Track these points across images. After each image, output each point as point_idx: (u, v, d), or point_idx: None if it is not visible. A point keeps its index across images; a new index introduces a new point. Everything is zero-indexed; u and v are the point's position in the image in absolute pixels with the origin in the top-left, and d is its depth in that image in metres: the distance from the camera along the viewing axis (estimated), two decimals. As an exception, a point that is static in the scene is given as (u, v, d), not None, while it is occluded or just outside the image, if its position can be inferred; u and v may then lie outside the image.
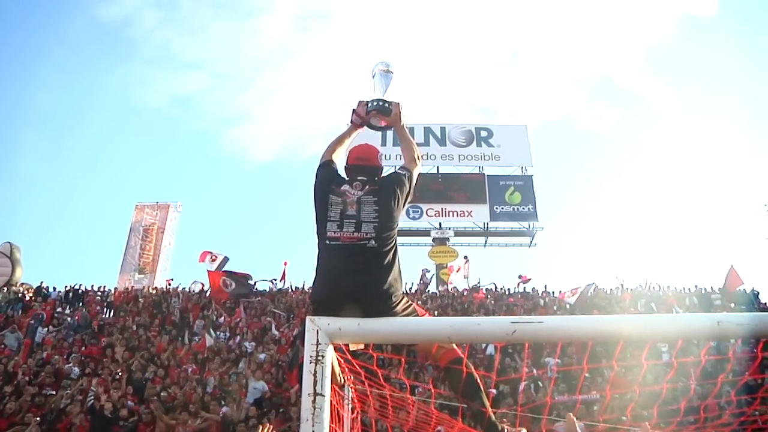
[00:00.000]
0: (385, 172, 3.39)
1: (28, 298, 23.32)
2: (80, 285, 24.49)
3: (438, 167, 32.37)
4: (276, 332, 18.42)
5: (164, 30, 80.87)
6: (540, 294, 23.57)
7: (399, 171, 3.24)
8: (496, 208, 30.84)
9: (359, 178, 3.14)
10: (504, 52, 78.49)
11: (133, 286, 26.85)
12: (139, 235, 33.23)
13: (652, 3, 69.36)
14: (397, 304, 2.82)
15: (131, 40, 79.38)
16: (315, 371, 2.46)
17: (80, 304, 22.88)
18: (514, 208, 30.88)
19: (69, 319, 20.33)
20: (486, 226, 31.47)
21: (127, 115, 78.51)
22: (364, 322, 2.59)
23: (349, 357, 3.11)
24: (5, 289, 23.74)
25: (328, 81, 79.56)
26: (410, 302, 2.99)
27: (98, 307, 22.37)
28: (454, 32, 76.59)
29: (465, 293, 24.56)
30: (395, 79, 3.52)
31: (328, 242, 2.95)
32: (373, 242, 2.88)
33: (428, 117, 42.03)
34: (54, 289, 24.50)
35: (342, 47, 77.98)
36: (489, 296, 23.54)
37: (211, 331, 17.98)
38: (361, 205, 2.97)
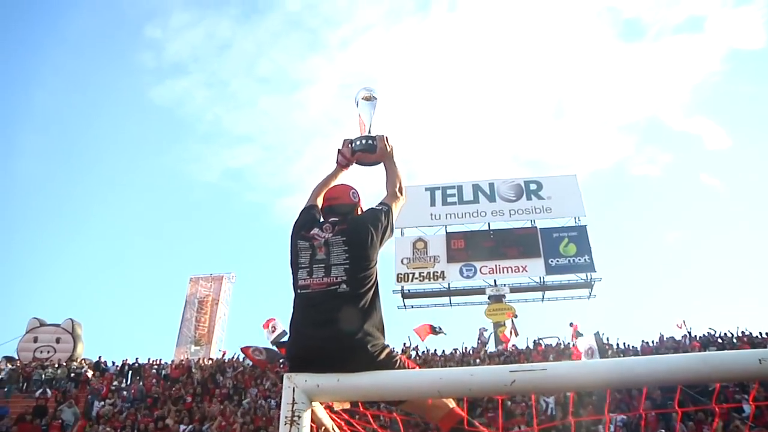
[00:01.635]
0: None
1: (87, 373, 23.60)
2: (137, 359, 24.74)
3: (489, 224, 31.97)
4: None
5: (214, 107, 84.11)
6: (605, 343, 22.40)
7: (375, 207, 2.99)
8: (552, 261, 29.99)
9: (330, 219, 2.92)
10: (548, 104, 78.33)
11: (188, 358, 26.92)
12: (195, 308, 33.56)
13: (697, 41, 68.34)
14: (377, 355, 2.50)
15: (184, 119, 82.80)
16: (287, 433, 2.19)
17: (137, 377, 23.02)
18: (569, 260, 29.96)
19: (125, 392, 20.39)
20: (542, 280, 30.57)
21: (182, 191, 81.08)
22: (344, 378, 2.32)
23: (347, 417, 2.80)
24: (64, 364, 24.16)
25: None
26: (395, 353, 2.67)
27: (154, 380, 22.40)
28: (497, 89, 77.23)
29: (525, 351, 23.67)
30: (380, 105, 3.34)
31: (299, 291, 2.71)
32: (345, 286, 2.61)
33: (476, 174, 42.01)
34: (113, 363, 24.80)
35: (388, 110, 79.12)
36: (550, 351, 22.57)
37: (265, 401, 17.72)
38: (330, 248, 2.72)
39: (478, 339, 27.04)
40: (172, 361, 25.64)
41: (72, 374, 23.11)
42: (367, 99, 3.34)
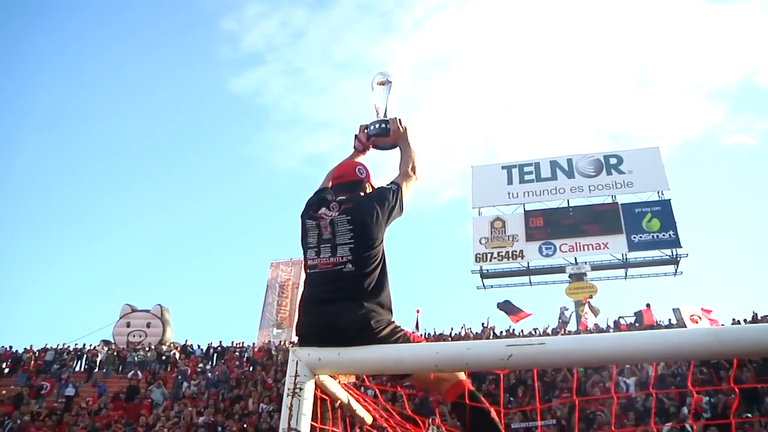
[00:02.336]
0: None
1: (175, 355, 24.74)
2: (221, 342, 25.70)
3: (568, 200, 31.14)
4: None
5: (292, 95, 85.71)
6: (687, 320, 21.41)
7: (385, 186, 2.96)
8: (634, 238, 28.88)
9: (338, 198, 2.90)
10: (631, 74, 75.20)
11: (270, 341, 27.72)
12: (276, 292, 34.40)
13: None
14: (381, 331, 2.50)
15: (263, 108, 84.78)
16: (291, 405, 2.22)
17: (222, 360, 23.92)
18: (653, 236, 28.75)
19: (210, 374, 21.24)
20: (624, 257, 29.53)
21: (264, 179, 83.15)
22: (345, 352, 2.34)
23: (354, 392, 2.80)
24: (154, 347, 25.41)
25: (453, 125, 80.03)
26: (400, 329, 2.64)
27: (237, 363, 23.22)
28: (576, 61, 74.65)
29: (605, 330, 23.02)
30: (395, 89, 3.32)
31: (308, 271, 2.76)
32: (350, 266, 2.62)
33: (559, 151, 40.97)
34: (198, 346, 25.87)
35: (465, 90, 78.34)
36: (632, 330, 21.83)
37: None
38: (335, 227, 2.73)
39: (559, 318, 26.56)
40: (254, 344, 26.50)
41: (162, 357, 24.32)
42: (381, 83, 3.34)
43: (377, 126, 3.22)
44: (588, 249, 29.62)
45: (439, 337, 23.71)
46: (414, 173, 3.09)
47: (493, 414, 2.63)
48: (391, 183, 2.96)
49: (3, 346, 26.32)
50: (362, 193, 2.98)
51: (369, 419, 3.01)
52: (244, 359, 23.90)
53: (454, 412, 2.70)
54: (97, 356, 24.89)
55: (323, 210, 2.83)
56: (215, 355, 24.96)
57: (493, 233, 31.11)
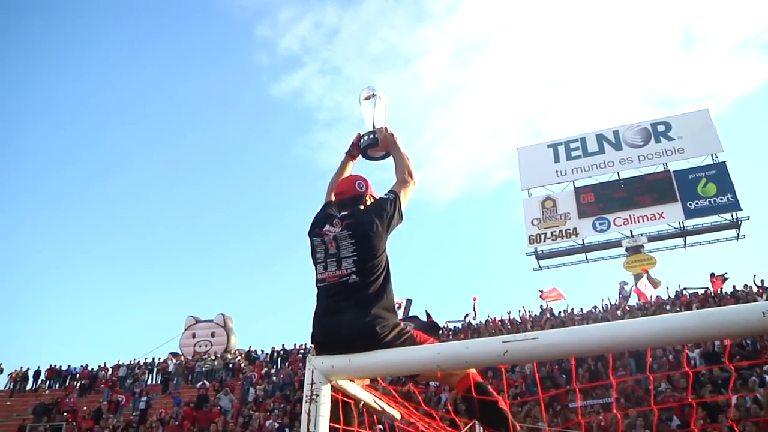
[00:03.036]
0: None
1: (240, 362, 25.41)
2: (283, 345, 26.27)
3: (618, 173, 30.62)
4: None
5: (333, 94, 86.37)
6: (756, 291, 20.78)
7: (383, 196, 3.11)
8: (690, 205, 28.18)
9: (341, 213, 3.08)
10: (674, 34, 72.83)
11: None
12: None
13: None
14: (386, 336, 2.66)
15: (305, 110, 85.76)
16: (309, 410, 2.38)
17: (286, 363, 24.47)
18: (710, 201, 27.97)
19: (275, 377, 21.77)
20: (682, 225, 28.91)
21: (314, 180, 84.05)
22: (355, 358, 2.49)
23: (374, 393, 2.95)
24: (220, 355, 26.14)
25: (497, 106, 79.22)
26: (406, 330, 2.78)
27: (300, 364, 23.70)
28: (616, 27, 72.77)
29: (667, 301, 22.58)
30: (380, 102, 3.49)
31: (318, 285, 2.92)
32: (354, 276, 2.79)
33: (603, 122, 40.11)
34: (262, 351, 26.49)
35: (505, 70, 77.39)
36: (694, 300, 21.31)
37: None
38: (339, 242, 2.90)
39: (619, 293, 26.17)
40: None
41: (228, 364, 25.04)
42: (367, 98, 3.49)
43: (367, 138, 3.40)
44: (643, 220, 29.05)
45: (494, 323, 23.71)
46: (411, 178, 3.20)
47: (501, 404, 2.75)
48: (389, 192, 3.09)
49: (81, 365, 27.63)
50: (362, 207, 3.12)
51: (398, 415, 3.17)
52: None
53: (465, 403, 2.84)
54: (168, 368, 25.81)
55: (327, 227, 3.00)
56: (279, 359, 25.53)
57: (545, 213, 30.84)
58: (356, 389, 2.76)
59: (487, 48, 79.69)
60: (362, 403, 2.90)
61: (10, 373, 27.87)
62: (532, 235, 30.53)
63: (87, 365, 27.70)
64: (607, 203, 29.78)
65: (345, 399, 3.04)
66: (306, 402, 2.42)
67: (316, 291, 2.95)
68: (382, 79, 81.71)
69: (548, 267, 31.17)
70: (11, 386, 27.34)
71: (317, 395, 2.41)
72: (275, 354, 25.89)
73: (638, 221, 29.12)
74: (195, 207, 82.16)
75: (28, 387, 27.23)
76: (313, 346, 2.89)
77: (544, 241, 30.42)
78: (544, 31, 75.34)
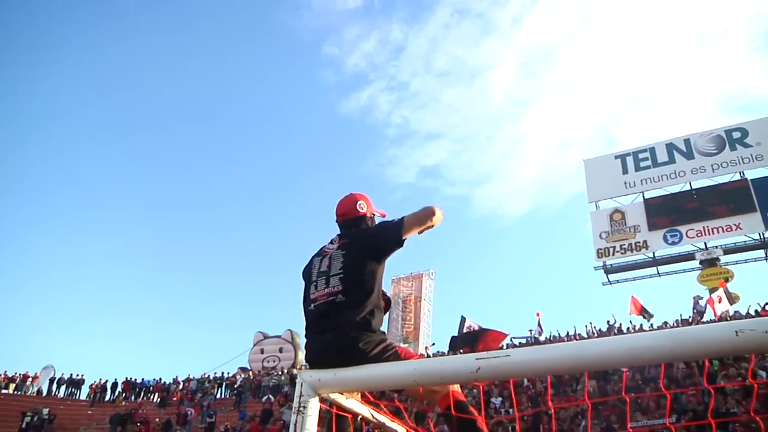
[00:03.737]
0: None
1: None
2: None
3: (690, 183, 29.51)
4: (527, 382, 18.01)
5: (400, 110, 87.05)
6: None
7: (390, 220, 3.12)
8: (771, 215, 26.74)
9: (340, 233, 3.14)
10: (752, 34, 69.71)
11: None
12: (399, 307, 35.01)
13: None
14: (371, 350, 2.73)
15: (373, 126, 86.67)
16: (296, 422, 2.48)
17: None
18: (794, 211, 26.46)
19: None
20: (762, 236, 27.41)
21: (383, 195, 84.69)
22: (340, 372, 2.60)
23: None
24: (286, 371, 26.60)
25: (566, 117, 77.88)
26: (392, 347, 2.84)
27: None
28: (689, 31, 70.27)
29: (746, 317, 21.52)
30: None
31: (308, 306, 2.98)
32: (341, 296, 2.85)
33: (679, 130, 38.79)
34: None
35: (573, 80, 76.14)
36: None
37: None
38: (332, 261, 2.97)
39: (694, 308, 25.05)
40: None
41: (294, 380, 25.41)
42: None
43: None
44: (718, 232, 27.82)
45: (559, 339, 23.22)
46: (427, 218, 3.06)
47: (479, 423, 2.76)
48: (398, 219, 3.08)
49: (154, 379, 28.72)
50: (363, 226, 3.19)
51: (401, 430, 3.22)
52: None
53: (444, 421, 2.87)
54: (236, 383, 26.45)
55: (327, 246, 3.09)
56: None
57: (613, 226, 30.02)
58: (351, 403, 2.84)
59: (554, 59, 78.67)
60: (360, 416, 2.98)
61: (91, 385, 29.37)
62: (601, 249, 29.75)
63: (161, 378, 28.83)
64: (679, 215, 28.70)
65: (341, 413, 3.13)
66: (294, 413, 2.53)
67: (304, 312, 3.03)
68: (449, 94, 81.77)
69: (618, 281, 30.21)
70: (92, 397, 28.76)
71: (304, 407, 2.52)
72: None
73: (713, 233, 27.91)
74: (267, 225, 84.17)
75: (107, 398, 28.53)
76: (306, 363, 2.99)
77: (613, 254, 29.57)
78: (612, 38, 73.87)
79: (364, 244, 2.98)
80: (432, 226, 3.10)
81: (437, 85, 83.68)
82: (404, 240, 3.00)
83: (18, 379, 29.43)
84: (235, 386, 26.40)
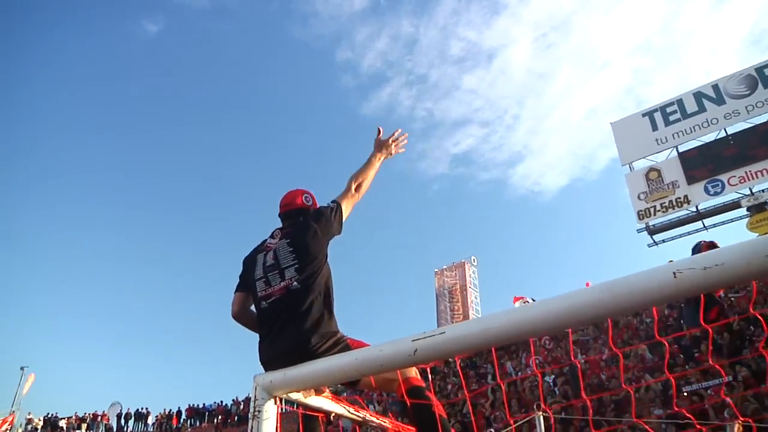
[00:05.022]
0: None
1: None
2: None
3: (724, 129, 28.45)
4: (581, 358, 17.63)
5: (422, 103, 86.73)
6: None
7: (325, 205, 3.11)
8: (818, 148, 25.64)
9: (282, 226, 3.08)
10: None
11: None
12: (446, 298, 34.81)
13: None
14: (321, 346, 2.68)
15: (398, 123, 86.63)
16: (252, 427, 2.44)
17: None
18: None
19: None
20: (811, 172, 26.30)
21: (419, 190, 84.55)
22: (289, 371, 2.57)
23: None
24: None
25: (591, 84, 76.33)
26: (342, 339, 2.77)
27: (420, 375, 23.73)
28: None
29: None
30: None
31: (260, 304, 2.92)
32: (296, 283, 2.78)
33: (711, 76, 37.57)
34: (383, 366, 26.78)
35: (592, 45, 74.58)
36: None
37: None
38: (278, 252, 2.90)
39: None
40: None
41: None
42: None
43: None
44: (762, 175, 26.72)
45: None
46: (357, 192, 3.23)
47: (436, 408, 2.66)
48: (331, 201, 3.08)
49: (215, 402, 29.20)
50: (302, 218, 3.12)
51: (386, 423, 3.14)
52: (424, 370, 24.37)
53: (401, 410, 2.78)
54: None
55: (268, 240, 3.03)
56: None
57: (651, 185, 29.23)
58: (321, 401, 2.77)
59: (569, 27, 77.35)
60: (333, 414, 2.91)
61: (156, 416, 29.99)
62: (641, 210, 28.99)
63: (222, 401, 29.24)
64: (718, 163, 27.73)
65: (309, 413, 3.06)
66: (250, 419, 2.48)
67: (256, 310, 2.97)
68: (469, 80, 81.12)
69: (663, 241, 29.38)
70: (159, 427, 29.41)
71: (259, 411, 2.47)
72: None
73: (756, 177, 26.83)
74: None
75: (174, 427, 29.12)
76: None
77: (655, 214, 28.77)
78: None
79: (309, 229, 2.93)
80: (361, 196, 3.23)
81: (456, 73, 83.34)
82: (342, 226, 3.02)
83: (88, 419, 30.34)
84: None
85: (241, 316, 3.13)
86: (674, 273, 1.84)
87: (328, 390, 3.10)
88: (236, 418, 26.73)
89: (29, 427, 31.29)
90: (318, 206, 3.24)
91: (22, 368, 26.84)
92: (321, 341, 2.70)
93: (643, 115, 31.39)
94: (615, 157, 30.62)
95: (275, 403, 2.49)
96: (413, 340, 2.15)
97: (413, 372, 2.82)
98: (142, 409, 30.96)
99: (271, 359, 2.75)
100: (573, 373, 15.50)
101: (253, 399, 2.50)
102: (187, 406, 29.56)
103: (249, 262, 3.07)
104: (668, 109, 30.36)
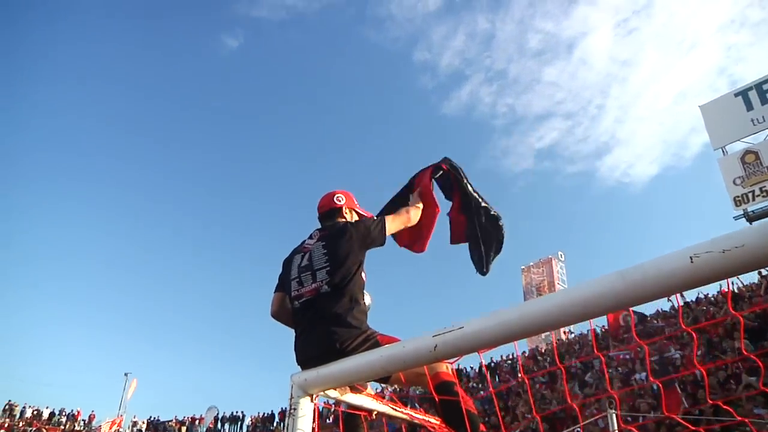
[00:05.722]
0: None
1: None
2: (491, 358, 26.18)
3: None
4: (677, 354, 16.85)
5: (503, 99, 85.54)
6: None
7: (370, 218, 3.21)
8: None
9: (319, 227, 3.13)
10: None
11: (537, 347, 27.53)
12: (534, 295, 34.10)
13: None
14: (350, 344, 2.71)
15: (480, 121, 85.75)
16: (287, 424, 2.52)
17: (495, 375, 24.36)
18: None
19: (482, 392, 21.72)
20: None
21: (503, 187, 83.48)
22: (322, 369, 2.63)
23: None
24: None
25: (679, 67, 73.07)
26: (372, 336, 2.78)
27: (508, 376, 23.43)
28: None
29: None
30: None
31: (293, 303, 2.97)
32: (326, 287, 2.83)
33: None
34: (471, 367, 26.59)
35: (678, 25, 71.33)
36: None
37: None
38: (313, 254, 2.96)
39: None
40: (523, 353, 26.50)
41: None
42: None
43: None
44: None
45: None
46: (409, 215, 3.32)
47: (464, 404, 2.63)
48: (378, 215, 3.12)
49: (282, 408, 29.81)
50: (342, 220, 3.17)
51: (433, 421, 3.14)
52: (515, 369, 24.05)
53: (431, 405, 2.77)
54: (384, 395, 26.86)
55: (306, 241, 3.09)
56: (488, 372, 25.43)
57: (747, 169, 27.57)
58: (362, 399, 2.81)
59: (651, 8, 74.37)
60: (375, 413, 2.94)
61: (251, 418, 31.03)
62: (738, 196, 27.37)
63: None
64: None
65: (351, 411, 3.10)
66: (287, 416, 2.55)
67: (292, 310, 3.03)
68: (549, 72, 79.41)
69: (765, 228, 27.67)
70: (253, 430, 30.36)
71: (295, 409, 2.55)
72: (483, 368, 25.87)
73: None
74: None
75: (268, 429, 29.96)
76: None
77: (753, 199, 27.07)
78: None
79: (347, 234, 2.97)
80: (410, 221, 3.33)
81: (535, 66, 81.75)
82: (387, 236, 3.03)
83: (188, 422, 31.71)
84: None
85: (279, 315, 3.21)
86: (691, 258, 1.73)
87: (369, 387, 3.14)
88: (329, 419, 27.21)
89: (135, 429, 33.23)
90: (356, 208, 3.30)
91: (125, 374, 28.33)
92: (349, 339, 2.74)
93: (736, 95, 29.66)
94: (709, 142, 29.02)
95: (311, 401, 2.56)
96: (434, 336, 2.15)
97: (444, 367, 2.81)
98: (237, 412, 32.21)
99: (305, 359, 2.81)
100: (664, 368, 14.90)
101: (289, 397, 2.58)
102: (279, 410, 30.40)
103: (287, 263, 3.15)
104: (764, 86, 28.56)
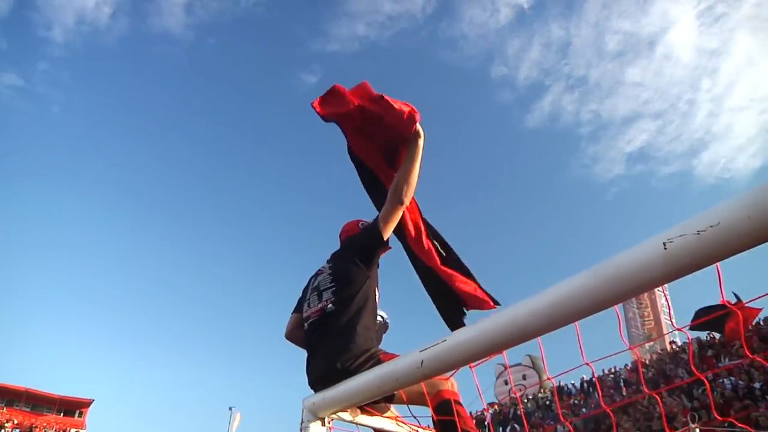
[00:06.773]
0: None
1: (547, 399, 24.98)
2: (593, 373, 25.14)
3: None
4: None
5: (587, 105, 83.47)
6: None
7: (366, 224, 3.18)
8: None
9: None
10: None
11: (639, 358, 26.29)
12: (634, 305, 32.73)
13: None
14: (352, 364, 2.68)
15: (565, 130, 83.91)
16: (298, 447, 2.52)
17: (595, 391, 23.43)
18: None
19: (583, 409, 20.95)
20: None
21: (595, 194, 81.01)
22: (327, 392, 2.65)
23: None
24: (531, 396, 26.04)
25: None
26: (374, 355, 2.72)
27: (612, 390, 22.48)
28: None
29: None
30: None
31: (302, 324, 3.00)
32: (331, 305, 2.81)
33: None
34: (572, 384, 25.71)
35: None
36: None
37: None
38: (323, 276, 2.97)
39: None
40: (626, 365, 25.37)
41: (538, 403, 24.76)
42: None
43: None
44: None
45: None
46: (399, 198, 2.85)
47: (461, 423, 2.51)
48: (374, 220, 2.98)
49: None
50: (349, 241, 3.16)
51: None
52: (618, 383, 23.05)
53: (435, 423, 2.65)
54: (485, 419, 26.35)
55: (323, 265, 3.11)
56: (590, 387, 24.52)
57: None
58: (376, 421, 2.77)
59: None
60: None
61: None
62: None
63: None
64: None
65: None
66: (297, 440, 2.55)
67: (304, 332, 3.03)
68: (632, 72, 76.87)
69: None
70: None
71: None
72: (585, 384, 24.97)
73: None
74: (479, 251, 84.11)
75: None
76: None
77: None
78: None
79: (349, 253, 2.96)
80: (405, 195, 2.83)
81: (616, 68, 79.39)
82: (385, 236, 2.86)
83: None
84: (485, 422, 26.31)
85: (291, 336, 3.26)
86: (664, 244, 1.56)
87: (393, 409, 3.07)
88: None
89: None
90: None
91: (230, 408, 29.10)
92: (351, 359, 2.70)
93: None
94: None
95: (323, 425, 2.54)
96: (420, 351, 2.08)
97: (447, 384, 2.69)
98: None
99: (313, 381, 2.82)
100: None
101: (300, 421, 2.58)
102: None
103: (306, 286, 3.19)
104: None
